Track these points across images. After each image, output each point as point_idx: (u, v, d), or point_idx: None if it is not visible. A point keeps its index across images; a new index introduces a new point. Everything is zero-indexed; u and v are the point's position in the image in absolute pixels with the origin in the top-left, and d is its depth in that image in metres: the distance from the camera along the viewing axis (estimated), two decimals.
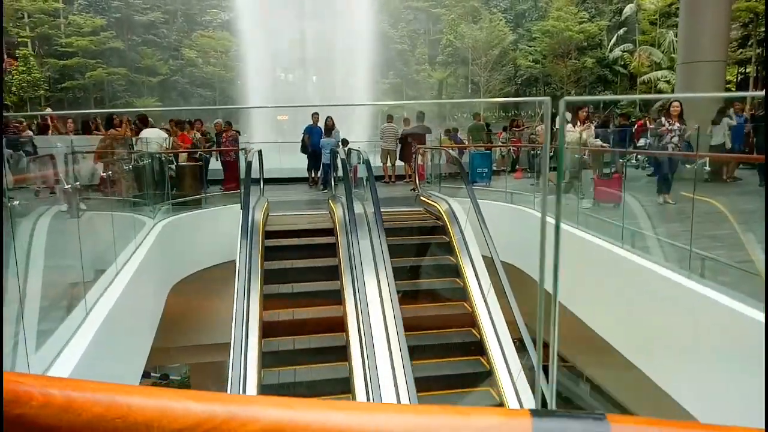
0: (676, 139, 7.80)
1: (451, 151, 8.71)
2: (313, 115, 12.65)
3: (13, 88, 42.34)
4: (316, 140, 11.95)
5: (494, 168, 11.47)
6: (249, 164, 6.63)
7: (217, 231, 7.71)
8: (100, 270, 5.10)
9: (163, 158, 7.86)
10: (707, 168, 6.01)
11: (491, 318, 6.04)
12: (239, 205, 7.20)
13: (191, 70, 48.26)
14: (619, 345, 5.40)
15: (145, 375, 16.80)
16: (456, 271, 6.73)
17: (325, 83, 39.49)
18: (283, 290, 6.35)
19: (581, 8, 42.48)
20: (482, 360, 5.90)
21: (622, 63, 39.75)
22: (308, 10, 37.32)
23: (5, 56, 35.75)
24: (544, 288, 1.43)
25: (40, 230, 5.22)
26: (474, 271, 6.58)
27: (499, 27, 44.36)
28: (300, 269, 6.55)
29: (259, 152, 8.83)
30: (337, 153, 8.76)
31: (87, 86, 44.76)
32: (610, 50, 39.63)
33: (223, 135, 11.14)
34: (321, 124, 12.38)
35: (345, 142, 12.96)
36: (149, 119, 9.88)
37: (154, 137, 8.23)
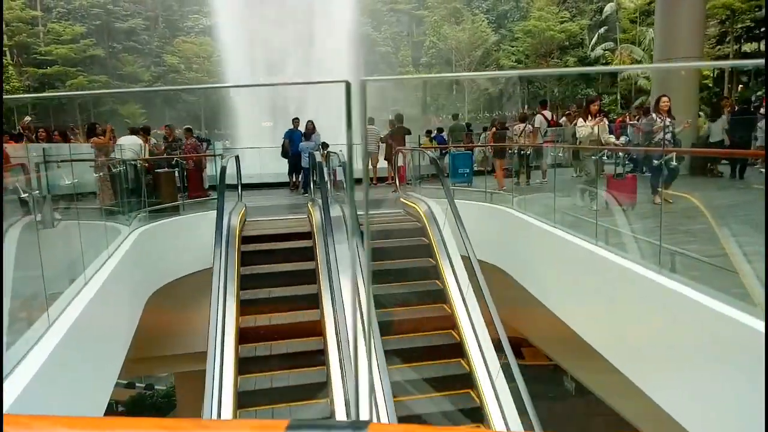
0: (669, 136, 7.65)
1: (430, 152, 8.67)
2: (293, 119, 12.61)
3: None
4: (296, 145, 11.90)
5: (475, 168, 11.47)
6: (223, 169, 6.55)
7: (194, 238, 7.60)
8: (70, 280, 4.99)
9: (139, 165, 7.75)
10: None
11: (470, 319, 6.02)
12: (230, 210, 7.13)
13: (174, 77, 47.86)
14: (597, 345, 5.39)
15: (130, 386, 16.61)
16: (435, 273, 6.71)
17: (307, 87, 39.37)
18: (260, 295, 6.29)
19: (562, 8, 42.83)
20: (462, 362, 5.88)
21: (604, 61, 40.11)
22: (288, 13, 37.21)
23: None
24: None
25: (9, 241, 5.12)
26: (453, 272, 6.56)
27: (481, 28, 44.62)
28: (276, 273, 6.49)
29: (236, 158, 8.76)
30: (315, 156, 8.72)
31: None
32: (592, 49, 39.97)
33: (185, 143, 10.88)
34: (302, 128, 12.34)
35: (325, 145, 12.91)
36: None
37: (129, 144, 8.11)
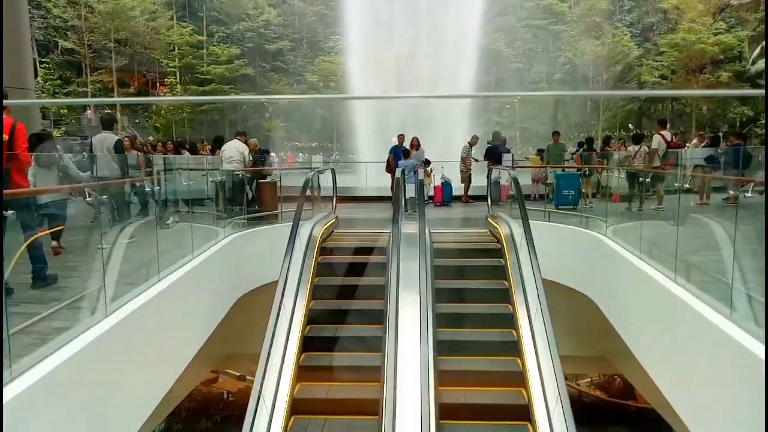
0: None
1: (510, 171, 8.37)
2: (398, 135, 12.90)
3: (162, 112, 48.00)
4: (399, 160, 12.14)
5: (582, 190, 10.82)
6: (306, 181, 6.93)
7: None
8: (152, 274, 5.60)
9: (242, 175, 8.45)
10: None
11: (535, 348, 5.69)
12: (312, 221, 7.53)
13: (313, 93, 51.29)
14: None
15: (241, 378, 17.82)
16: (506, 297, 6.45)
17: (432, 103, 39.80)
18: (330, 306, 6.48)
19: (718, 18, 38.75)
20: (522, 392, 5.57)
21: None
22: (417, 31, 38.06)
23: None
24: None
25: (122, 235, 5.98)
26: (524, 298, 6.24)
27: (623, 42, 41.93)
28: (348, 287, 6.65)
29: (332, 170, 9.18)
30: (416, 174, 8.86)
31: (222, 109, 49.29)
32: (752, 63, 35.60)
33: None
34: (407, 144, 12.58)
35: (427, 162, 13.03)
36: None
37: (234, 151, 8.83)
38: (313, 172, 7.80)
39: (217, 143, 10.81)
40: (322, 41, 55.06)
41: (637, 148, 10.34)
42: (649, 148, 10.54)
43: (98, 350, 3.87)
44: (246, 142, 9.19)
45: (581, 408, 14.34)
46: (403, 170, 9.83)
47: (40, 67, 44.84)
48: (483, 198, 12.29)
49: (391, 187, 12.84)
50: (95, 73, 46.31)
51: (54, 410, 3.36)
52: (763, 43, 35.13)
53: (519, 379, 5.39)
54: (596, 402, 14.26)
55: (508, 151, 11.62)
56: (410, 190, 8.02)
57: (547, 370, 5.05)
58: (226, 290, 7.30)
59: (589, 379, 16.13)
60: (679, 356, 4.88)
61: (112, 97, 46.72)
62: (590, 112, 45.62)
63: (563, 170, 11.72)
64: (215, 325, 6.87)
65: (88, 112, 42.79)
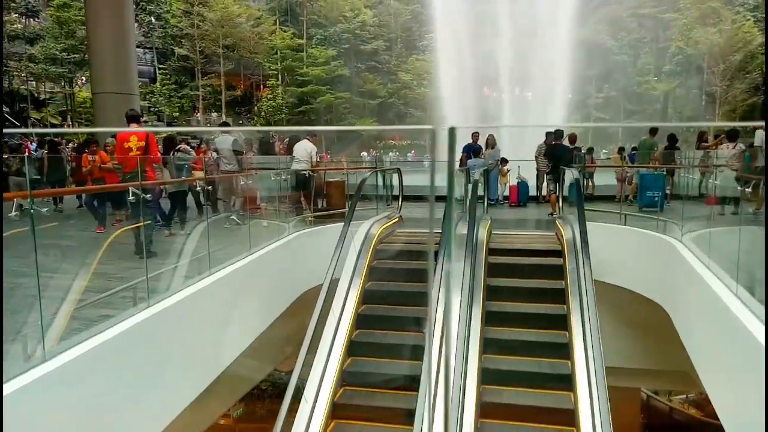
0: None
1: (575, 171, 7.89)
2: (473, 134, 12.66)
3: (262, 113, 50.72)
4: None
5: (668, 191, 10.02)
6: (363, 180, 7.06)
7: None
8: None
9: (308, 174, 8.76)
10: None
11: (586, 354, 5.37)
12: (372, 220, 7.66)
13: (405, 92, 51.72)
14: None
15: None
16: (562, 302, 6.16)
17: (528, 99, 38.61)
18: (377, 312, 6.51)
19: None
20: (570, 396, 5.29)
21: None
22: (512, 27, 37.04)
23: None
24: None
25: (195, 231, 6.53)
26: (579, 304, 5.92)
27: (744, 28, 38.04)
28: (394, 293, 6.66)
29: (398, 170, 9.24)
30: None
31: (318, 109, 51.09)
32: None
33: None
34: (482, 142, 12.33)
35: (504, 161, 12.68)
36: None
37: (302, 151, 9.17)
38: (370, 173, 7.91)
39: (291, 143, 11.27)
40: (416, 39, 55.23)
41: (731, 145, 9.39)
42: (752, 145, 9.53)
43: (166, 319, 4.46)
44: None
45: (669, 425, 13.29)
46: (468, 170, 9.70)
47: (159, 73, 49.19)
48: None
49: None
50: (205, 77, 49.88)
51: (131, 360, 3.97)
52: None
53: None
54: (688, 420, 13.15)
55: (570, 150, 10.71)
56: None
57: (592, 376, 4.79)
58: (286, 284, 7.60)
59: (684, 396, 14.92)
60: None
61: (220, 99, 50.14)
62: (705, 106, 41.91)
63: (655, 170, 10.93)
64: (276, 316, 7.18)
65: (197, 114, 46.28)
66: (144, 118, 37.19)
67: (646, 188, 10.19)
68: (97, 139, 8.59)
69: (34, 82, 37.11)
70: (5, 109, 29.97)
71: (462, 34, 37.55)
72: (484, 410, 4.96)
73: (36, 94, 36.48)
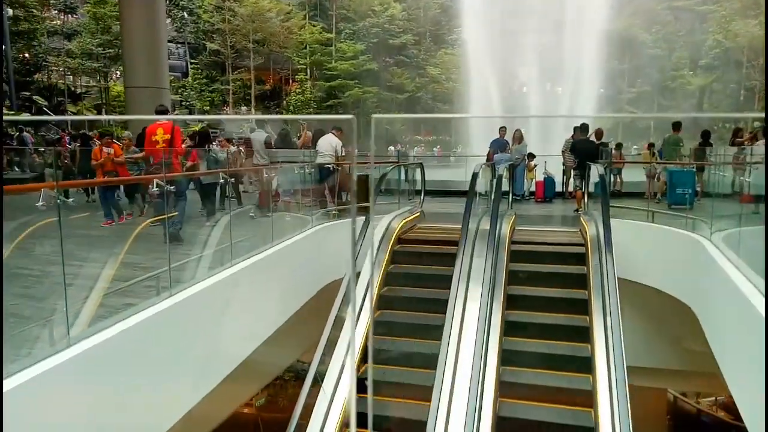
0: None
1: (600, 167, 7.74)
2: (500, 128, 12.55)
3: (291, 107, 51.09)
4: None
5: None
6: (383, 175, 7.08)
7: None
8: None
9: (333, 168, 8.83)
10: None
11: (609, 364, 5.27)
12: (393, 214, 7.69)
13: (434, 87, 51.44)
14: None
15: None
16: (582, 304, 6.06)
17: (558, 93, 38.00)
18: (401, 293, 6.53)
19: None
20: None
21: None
22: (541, 22, 36.49)
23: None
24: None
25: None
26: (602, 307, 5.80)
27: None
28: (421, 275, 6.69)
29: (421, 165, 9.25)
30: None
31: (346, 104, 51.17)
32: None
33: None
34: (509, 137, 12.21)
35: (531, 156, 12.55)
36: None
37: (327, 145, 9.23)
38: (391, 167, 7.92)
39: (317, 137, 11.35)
40: (445, 33, 54.80)
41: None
42: None
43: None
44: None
45: (696, 427, 13.00)
46: (494, 165, 9.64)
47: (191, 68, 49.98)
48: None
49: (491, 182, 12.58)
50: (236, 72, 50.48)
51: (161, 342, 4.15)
52: None
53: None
54: (716, 422, 12.84)
55: (605, 145, 10.56)
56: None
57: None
58: (308, 276, 7.69)
59: (714, 398, 14.56)
60: None
61: (249, 93, 50.67)
62: (744, 101, 40.57)
63: (683, 167, 10.67)
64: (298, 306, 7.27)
65: (226, 108, 46.91)
66: (176, 112, 37.92)
67: (675, 185, 9.97)
68: (113, 132, 8.92)
69: (71, 77, 38.15)
70: (43, 102, 30.90)
71: (492, 28, 37.11)
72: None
73: (73, 88, 37.50)
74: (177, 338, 4.46)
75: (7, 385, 2.79)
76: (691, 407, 13.73)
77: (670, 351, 8.20)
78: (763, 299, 4.50)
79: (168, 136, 7.13)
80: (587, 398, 4.88)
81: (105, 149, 8.21)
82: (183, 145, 7.87)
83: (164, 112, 8.73)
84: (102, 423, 3.55)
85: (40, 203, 4.10)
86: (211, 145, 10.42)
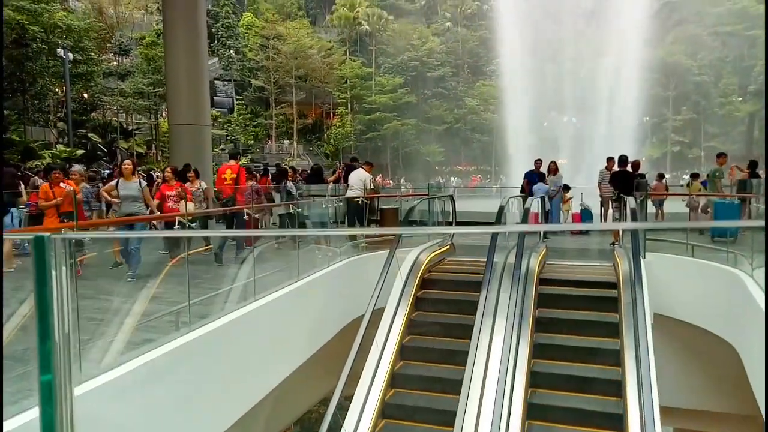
0: None
1: (632, 200, 7.52)
2: (536, 161, 12.44)
3: (332, 140, 52.19)
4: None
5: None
6: (411, 209, 7.10)
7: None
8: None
9: (361, 201, 8.93)
10: None
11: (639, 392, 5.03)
12: (423, 247, 7.66)
13: (472, 118, 51.61)
14: None
15: None
16: (612, 343, 5.83)
17: (597, 122, 37.36)
18: (424, 344, 6.43)
19: None
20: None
21: None
22: (586, 48, 36.29)
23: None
24: None
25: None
26: (635, 350, 5.53)
27: None
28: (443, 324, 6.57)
29: (451, 197, 9.24)
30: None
31: (385, 136, 51.90)
32: None
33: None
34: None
35: (566, 188, 12.35)
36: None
37: (358, 179, 9.36)
38: (419, 201, 7.94)
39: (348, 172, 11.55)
40: (483, 65, 55.21)
41: None
42: None
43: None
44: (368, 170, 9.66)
45: None
46: (524, 198, 9.55)
47: (237, 104, 51.89)
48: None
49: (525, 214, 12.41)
50: (279, 107, 52.10)
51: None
52: None
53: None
54: None
55: (642, 177, 10.29)
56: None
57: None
58: (334, 312, 7.69)
59: None
60: None
61: (292, 128, 52.07)
62: None
63: (730, 199, 10.28)
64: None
65: (270, 142, 48.34)
66: (240, 158, 39.16)
67: (719, 218, 9.65)
68: (63, 166, 10.15)
69: (123, 115, 40.20)
70: (97, 139, 32.55)
71: (530, 58, 37.15)
72: None
73: (125, 126, 39.45)
74: (201, 370, 4.53)
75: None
76: None
77: (710, 391, 7.80)
78: None
79: (234, 175, 9.23)
80: None
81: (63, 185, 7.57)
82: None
83: (235, 155, 12.19)
84: None
85: None
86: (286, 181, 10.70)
